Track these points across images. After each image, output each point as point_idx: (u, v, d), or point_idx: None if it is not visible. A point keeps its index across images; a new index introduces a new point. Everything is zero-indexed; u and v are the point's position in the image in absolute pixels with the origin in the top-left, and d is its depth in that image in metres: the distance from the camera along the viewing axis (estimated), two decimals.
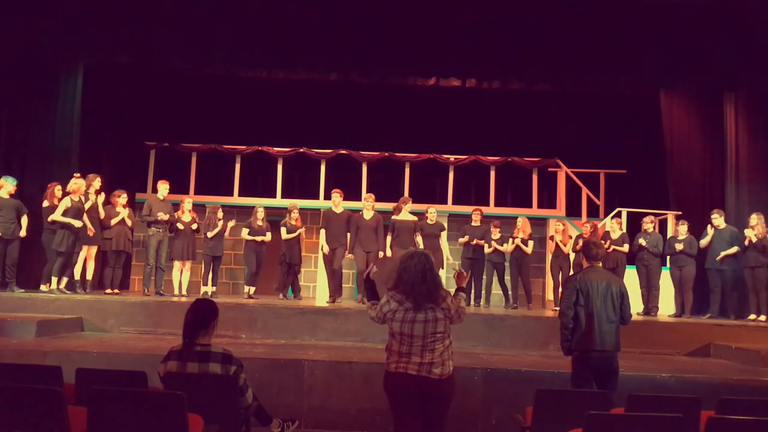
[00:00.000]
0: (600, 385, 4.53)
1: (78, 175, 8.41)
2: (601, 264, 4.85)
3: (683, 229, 9.28)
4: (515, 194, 12.45)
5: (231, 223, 9.50)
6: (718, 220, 9.07)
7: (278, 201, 12.14)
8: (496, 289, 9.97)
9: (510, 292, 9.72)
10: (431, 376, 3.55)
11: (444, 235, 9.39)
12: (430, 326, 3.57)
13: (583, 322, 4.58)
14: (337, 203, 9.28)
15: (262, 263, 9.45)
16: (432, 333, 3.57)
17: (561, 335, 4.74)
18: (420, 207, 10.10)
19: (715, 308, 8.96)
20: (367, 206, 9.14)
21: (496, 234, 9.66)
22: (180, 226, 9.11)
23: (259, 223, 9.42)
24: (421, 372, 3.55)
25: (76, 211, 8.10)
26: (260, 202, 11.88)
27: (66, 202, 8.06)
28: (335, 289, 9.22)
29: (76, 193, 8.16)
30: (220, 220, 9.37)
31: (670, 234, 9.83)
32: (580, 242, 9.35)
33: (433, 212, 9.43)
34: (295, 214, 9.42)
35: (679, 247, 9.14)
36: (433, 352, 3.58)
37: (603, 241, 8.75)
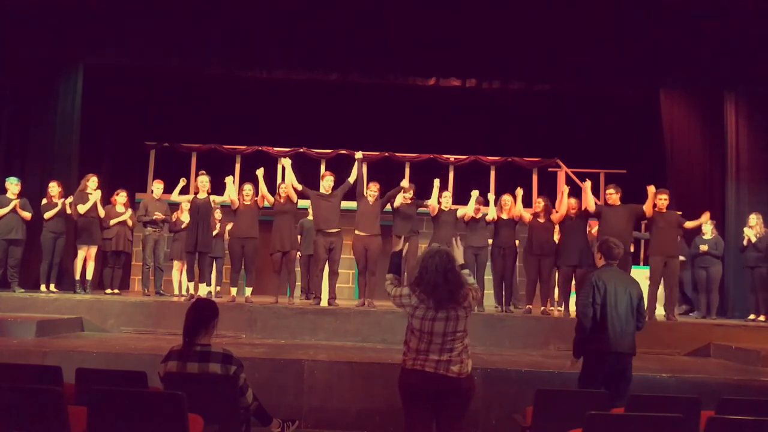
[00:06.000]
0: (610, 390, 4.31)
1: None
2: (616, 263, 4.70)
3: (708, 228, 8.99)
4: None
5: (228, 226, 9.42)
6: (613, 196, 8.12)
7: None
8: (488, 288, 9.51)
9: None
10: (449, 374, 3.46)
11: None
12: (451, 325, 3.50)
13: (599, 322, 4.46)
14: (328, 188, 8.42)
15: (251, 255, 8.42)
16: (452, 332, 3.50)
17: (576, 335, 4.60)
18: None
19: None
20: (371, 196, 8.45)
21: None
22: (182, 225, 9.11)
23: (246, 201, 8.39)
24: (439, 370, 3.46)
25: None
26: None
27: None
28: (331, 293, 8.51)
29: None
30: (218, 220, 9.35)
31: None
32: (542, 203, 8.53)
33: (447, 196, 8.51)
34: (283, 188, 8.38)
35: (704, 248, 8.90)
36: (452, 351, 3.50)
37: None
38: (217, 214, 9.41)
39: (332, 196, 8.43)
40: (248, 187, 8.51)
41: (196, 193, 8.44)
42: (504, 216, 8.51)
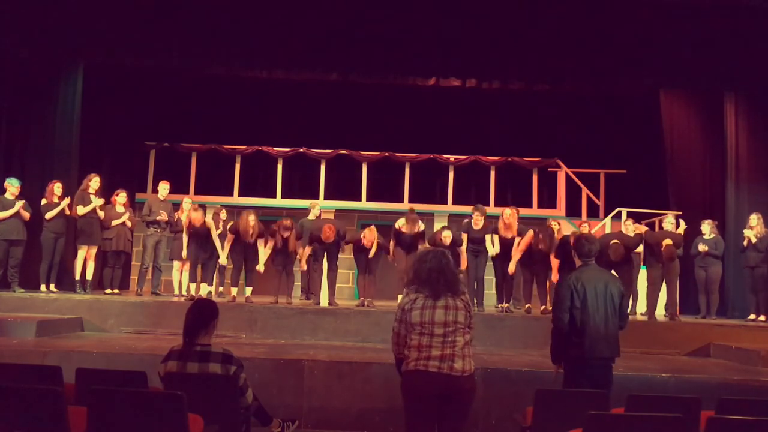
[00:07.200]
0: None
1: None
2: (594, 261, 4.43)
3: (707, 228, 8.96)
4: (515, 194, 12.44)
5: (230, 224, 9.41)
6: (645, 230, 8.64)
7: (278, 201, 12.16)
8: (488, 288, 9.44)
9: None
10: (452, 372, 3.40)
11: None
12: (451, 314, 3.46)
13: (580, 327, 4.21)
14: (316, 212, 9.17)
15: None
16: (453, 321, 3.46)
17: (552, 341, 4.37)
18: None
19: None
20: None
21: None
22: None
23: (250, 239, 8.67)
24: (442, 369, 3.40)
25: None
26: (260, 203, 11.88)
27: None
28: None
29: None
30: (222, 221, 9.33)
31: None
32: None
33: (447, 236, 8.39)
34: (286, 230, 8.51)
35: (703, 248, 8.85)
36: (454, 345, 3.44)
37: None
38: (222, 215, 9.39)
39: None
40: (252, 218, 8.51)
41: (190, 223, 8.57)
42: (505, 233, 8.46)
